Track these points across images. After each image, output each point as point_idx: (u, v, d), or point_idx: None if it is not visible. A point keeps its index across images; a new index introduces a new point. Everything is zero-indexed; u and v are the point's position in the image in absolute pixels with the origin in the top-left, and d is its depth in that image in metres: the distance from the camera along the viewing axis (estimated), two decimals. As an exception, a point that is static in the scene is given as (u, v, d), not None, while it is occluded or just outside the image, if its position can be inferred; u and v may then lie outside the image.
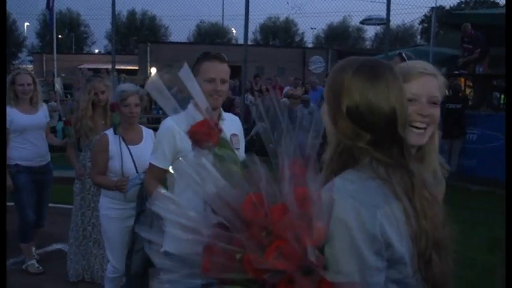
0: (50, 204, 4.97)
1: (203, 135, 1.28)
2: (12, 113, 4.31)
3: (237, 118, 2.84)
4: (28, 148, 4.38)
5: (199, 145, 1.28)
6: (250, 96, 12.32)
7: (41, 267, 4.54)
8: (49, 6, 13.61)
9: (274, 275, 1.04)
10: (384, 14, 10.07)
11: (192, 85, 1.36)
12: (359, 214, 1.12)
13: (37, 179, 4.45)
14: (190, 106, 1.39)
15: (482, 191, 7.78)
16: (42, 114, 4.53)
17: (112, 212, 3.40)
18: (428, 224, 1.19)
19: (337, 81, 1.26)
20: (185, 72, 1.34)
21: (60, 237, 5.02)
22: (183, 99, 1.47)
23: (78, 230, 4.18)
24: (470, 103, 9.93)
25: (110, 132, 3.47)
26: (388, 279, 1.16)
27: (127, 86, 3.53)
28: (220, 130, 1.31)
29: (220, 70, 2.46)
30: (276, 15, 41.69)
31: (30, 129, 4.38)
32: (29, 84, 4.38)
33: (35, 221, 4.48)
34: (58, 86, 5.57)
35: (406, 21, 37.99)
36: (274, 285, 1.05)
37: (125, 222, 3.34)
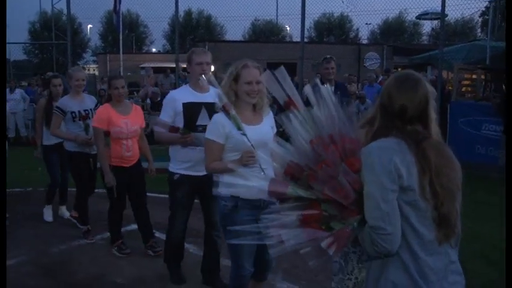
0: (150, 194, 5.21)
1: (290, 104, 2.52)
2: (229, 125, 3.03)
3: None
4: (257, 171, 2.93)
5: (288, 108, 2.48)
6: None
7: None
8: (115, 10, 14.48)
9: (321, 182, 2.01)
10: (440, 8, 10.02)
11: (287, 83, 2.52)
12: (380, 157, 1.88)
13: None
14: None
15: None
16: (268, 124, 3.24)
17: None
18: (429, 165, 1.86)
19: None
20: (281, 73, 2.50)
21: (156, 226, 5.08)
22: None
23: None
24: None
25: None
26: (402, 201, 1.86)
27: None
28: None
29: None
30: (331, 12, 41.65)
31: (256, 147, 2.97)
32: (257, 83, 3.05)
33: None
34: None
35: (465, 15, 36.73)
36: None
37: None
